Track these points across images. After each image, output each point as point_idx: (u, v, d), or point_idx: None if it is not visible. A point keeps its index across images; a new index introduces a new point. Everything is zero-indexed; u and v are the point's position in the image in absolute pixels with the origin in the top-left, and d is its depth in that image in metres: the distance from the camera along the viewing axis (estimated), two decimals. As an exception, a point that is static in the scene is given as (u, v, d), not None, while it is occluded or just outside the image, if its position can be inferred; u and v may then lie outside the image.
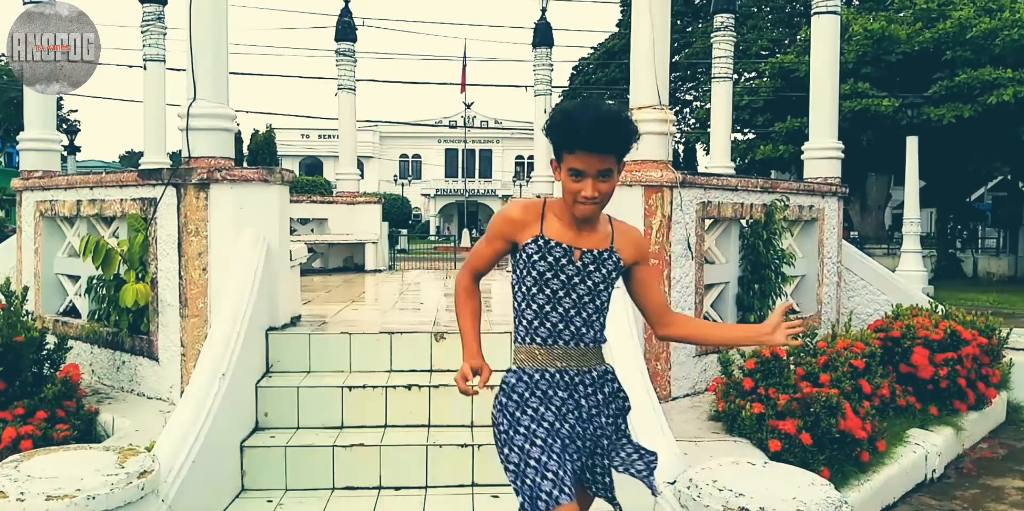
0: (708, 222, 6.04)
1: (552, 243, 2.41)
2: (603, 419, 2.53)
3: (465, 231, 45.54)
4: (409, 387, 4.91)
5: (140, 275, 5.48)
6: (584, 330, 2.46)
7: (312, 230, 11.79)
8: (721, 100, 11.01)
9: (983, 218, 32.54)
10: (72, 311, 6.63)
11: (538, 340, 2.46)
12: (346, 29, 11.91)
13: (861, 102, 18.96)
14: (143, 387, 5.61)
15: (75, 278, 6.51)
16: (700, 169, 21.99)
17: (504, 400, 2.52)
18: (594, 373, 2.51)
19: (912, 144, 16.06)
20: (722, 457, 3.81)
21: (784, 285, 6.57)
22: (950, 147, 19.13)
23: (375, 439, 4.62)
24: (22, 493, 3.04)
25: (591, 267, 2.43)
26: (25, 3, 6.36)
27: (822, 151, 7.84)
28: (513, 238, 2.47)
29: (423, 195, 61.82)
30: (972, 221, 31.86)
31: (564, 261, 2.40)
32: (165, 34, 10.26)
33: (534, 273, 2.41)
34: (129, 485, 3.22)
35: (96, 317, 5.91)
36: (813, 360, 4.99)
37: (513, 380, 2.52)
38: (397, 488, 4.48)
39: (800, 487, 3.28)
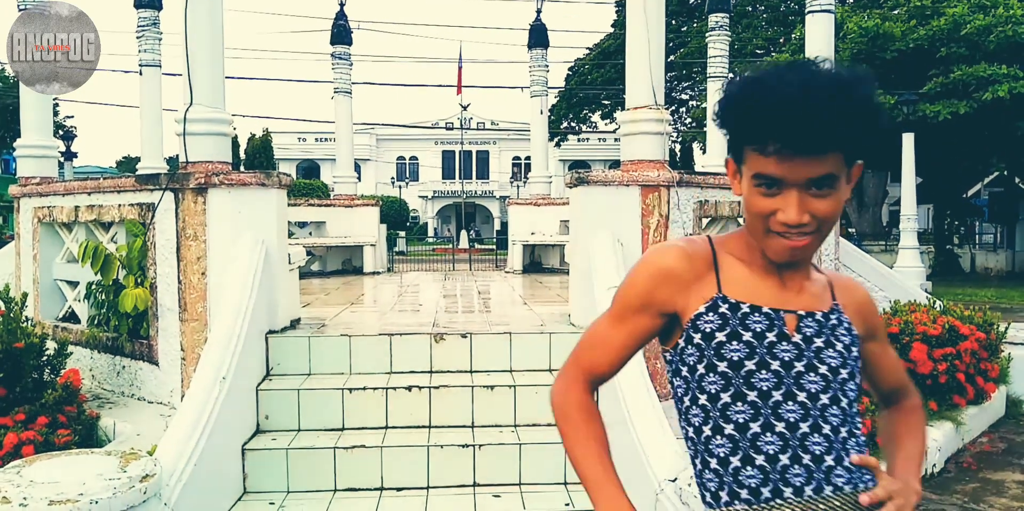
0: (705, 221, 6.06)
1: (744, 307, 1.44)
2: None
3: (463, 233, 45.55)
4: (409, 388, 4.92)
5: (139, 280, 5.49)
6: (831, 461, 1.40)
7: (310, 233, 11.80)
8: (717, 99, 11.02)
9: (980, 214, 32.58)
10: (71, 317, 6.64)
11: (745, 492, 1.40)
12: (341, 32, 11.92)
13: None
14: (143, 391, 5.62)
15: (74, 284, 6.52)
16: (697, 168, 22.02)
17: None
18: None
19: (908, 141, 16.08)
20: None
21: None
22: (946, 143, 19.18)
23: (376, 440, 4.62)
24: (25, 498, 3.04)
25: (818, 341, 1.45)
26: (20, 8, 6.37)
27: (818, 149, 7.84)
28: (670, 305, 1.49)
29: (420, 197, 61.80)
30: (969, 217, 31.94)
31: (772, 336, 1.43)
32: (160, 39, 10.28)
33: (722, 366, 1.42)
34: (131, 489, 3.22)
35: (96, 322, 5.92)
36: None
37: None
38: (399, 489, 4.49)
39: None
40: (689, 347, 1.46)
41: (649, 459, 3.85)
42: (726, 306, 1.44)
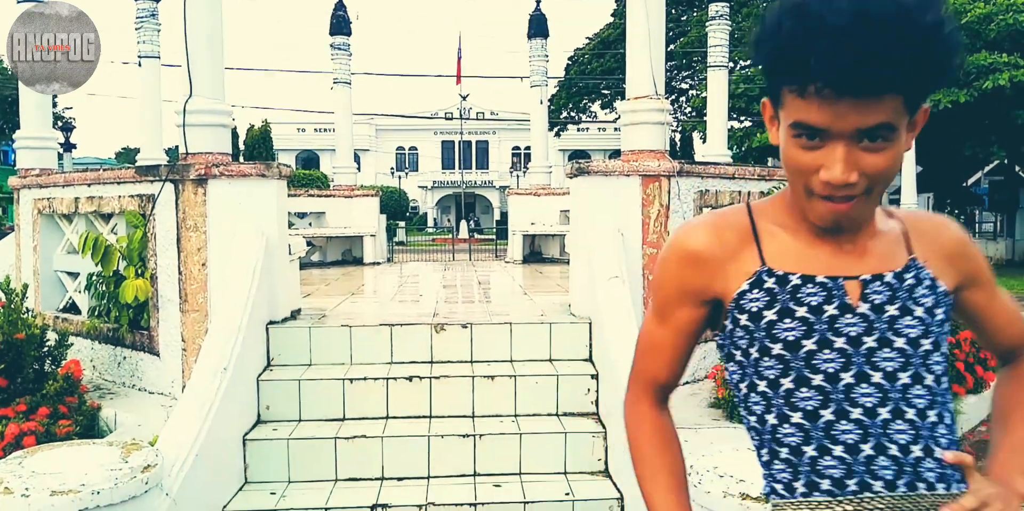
0: (706, 210, 6.05)
1: (794, 279, 1.24)
2: None
3: (463, 223, 45.53)
4: (410, 378, 4.93)
5: (139, 271, 5.49)
6: (919, 451, 1.20)
7: (310, 224, 11.80)
8: (717, 89, 11.01)
9: (980, 202, 32.55)
10: (72, 308, 6.65)
11: (827, 483, 1.22)
12: (340, 23, 11.87)
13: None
14: (144, 382, 5.63)
15: (74, 275, 6.52)
16: (697, 157, 21.99)
17: None
18: None
19: (909, 130, 16.06)
20: (722, 444, 3.83)
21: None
22: (946, 132, 19.13)
23: (377, 430, 4.64)
24: (27, 489, 3.05)
25: (891, 309, 1.22)
26: (19, 2, 6.35)
27: (818, 138, 7.85)
28: (709, 291, 1.31)
29: (420, 187, 61.70)
30: (969, 205, 31.89)
31: (832, 309, 1.22)
32: (159, 30, 10.25)
33: (776, 348, 1.24)
34: (133, 479, 3.24)
35: (96, 313, 5.92)
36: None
37: None
38: (400, 478, 4.50)
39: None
40: (738, 329, 1.28)
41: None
42: (772, 280, 1.25)
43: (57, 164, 7.37)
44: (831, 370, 1.21)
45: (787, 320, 1.23)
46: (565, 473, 4.56)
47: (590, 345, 5.28)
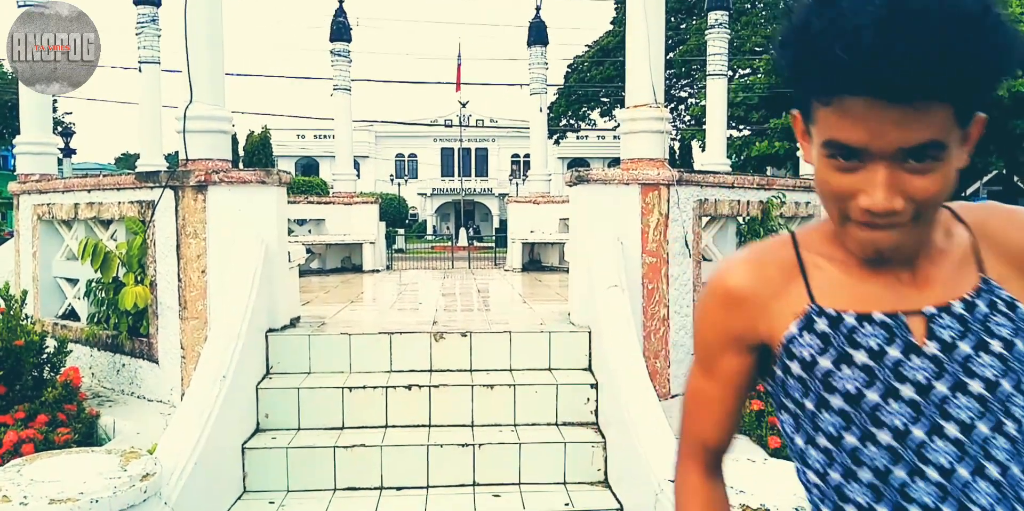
0: (705, 219, 6.06)
1: (849, 318, 1.08)
2: None
3: (462, 230, 45.55)
4: (409, 387, 4.92)
5: (139, 278, 5.48)
6: (1003, 510, 1.03)
7: (309, 231, 11.79)
8: (716, 97, 11.03)
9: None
10: (71, 314, 6.64)
11: None
12: (340, 29, 11.90)
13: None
14: (143, 390, 5.62)
15: (74, 281, 6.51)
16: (696, 166, 22.00)
17: None
18: None
19: (907, 139, 16.11)
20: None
21: (782, 282, 6.58)
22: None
23: (376, 439, 4.63)
24: (25, 497, 3.04)
25: (964, 346, 1.05)
26: (20, 5, 6.36)
27: (818, 147, 7.85)
28: (754, 335, 1.17)
29: (419, 194, 61.74)
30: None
31: (896, 352, 1.06)
32: (160, 36, 10.26)
33: (836, 401, 1.08)
34: (132, 488, 3.22)
35: (95, 320, 5.92)
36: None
37: None
38: (398, 488, 4.49)
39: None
40: (789, 379, 1.12)
41: (649, 459, 3.85)
42: (824, 320, 1.09)
43: (57, 169, 7.37)
44: (900, 424, 1.04)
45: (845, 368, 1.06)
46: (564, 483, 4.55)
47: (589, 354, 5.27)
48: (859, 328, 1.07)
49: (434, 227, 61.13)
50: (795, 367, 1.11)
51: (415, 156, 65.62)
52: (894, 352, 1.05)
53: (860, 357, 1.06)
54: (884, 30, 0.89)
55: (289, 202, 7.01)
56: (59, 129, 29.81)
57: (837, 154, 0.99)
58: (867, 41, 0.89)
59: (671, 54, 29.18)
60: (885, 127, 0.93)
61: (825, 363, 1.08)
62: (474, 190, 60.95)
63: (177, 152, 5.49)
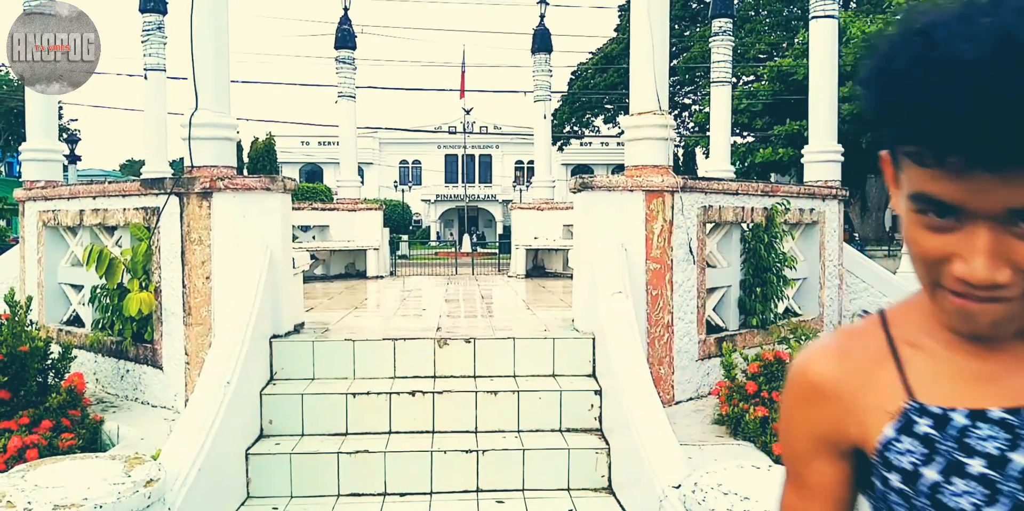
0: (709, 226, 6.06)
1: (959, 417, 0.86)
2: None
3: (466, 236, 45.57)
4: (413, 393, 4.92)
5: (144, 284, 5.50)
6: None
7: (314, 237, 11.81)
8: (720, 104, 11.03)
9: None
10: (76, 320, 6.65)
11: None
12: (345, 36, 11.94)
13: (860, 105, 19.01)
14: (147, 396, 5.62)
15: (78, 287, 6.53)
16: (700, 173, 22.01)
17: None
18: None
19: (911, 146, 16.09)
20: (726, 461, 3.82)
21: (786, 288, 6.58)
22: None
23: (380, 445, 4.62)
24: (29, 502, 3.05)
25: None
26: (25, 6, 6.39)
27: (822, 154, 7.86)
28: (843, 437, 0.95)
29: (423, 201, 61.80)
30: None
31: (1021, 457, 0.82)
32: (165, 43, 10.31)
33: None
34: (136, 494, 3.23)
35: (100, 326, 5.92)
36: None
37: None
38: (402, 494, 4.48)
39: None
40: (891, 493, 0.89)
41: (653, 465, 3.84)
42: (926, 420, 0.87)
43: (62, 176, 7.39)
44: None
45: (957, 480, 0.84)
46: (568, 489, 4.54)
47: (593, 361, 5.27)
48: (972, 429, 0.85)
49: (438, 233, 61.14)
50: (894, 479, 0.88)
51: (419, 163, 65.72)
52: (1020, 459, 0.82)
53: (976, 466, 0.83)
54: (988, 71, 0.70)
55: (293, 208, 7.03)
56: (64, 136, 29.92)
57: (929, 210, 0.80)
58: (961, 85, 0.71)
59: (675, 61, 29.22)
60: (989, 184, 0.74)
61: (931, 475, 0.85)
62: (478, 196, 60.98)
63: (182, 159, 5.51)
